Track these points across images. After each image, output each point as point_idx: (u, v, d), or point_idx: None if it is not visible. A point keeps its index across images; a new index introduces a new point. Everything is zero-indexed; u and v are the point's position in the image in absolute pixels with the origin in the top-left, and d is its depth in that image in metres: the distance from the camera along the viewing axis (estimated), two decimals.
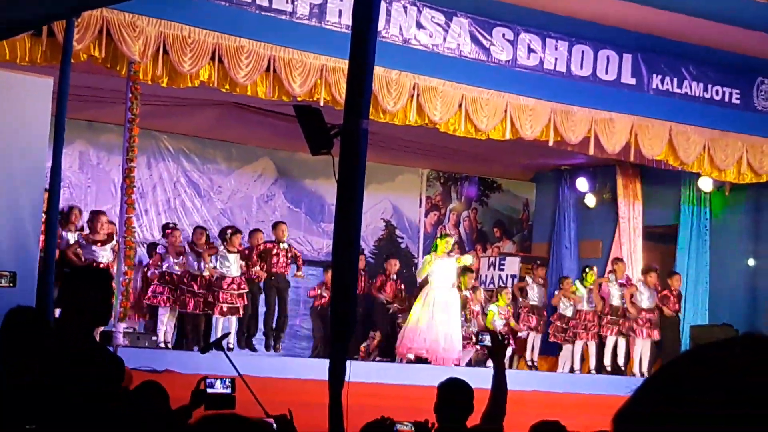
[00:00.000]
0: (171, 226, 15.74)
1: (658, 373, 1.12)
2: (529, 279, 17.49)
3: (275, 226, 15.76)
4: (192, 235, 15.05)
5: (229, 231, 15.12)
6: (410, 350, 14.97)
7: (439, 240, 15.85)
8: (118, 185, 14.10)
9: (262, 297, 15.38)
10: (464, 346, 15.66)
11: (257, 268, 15.01)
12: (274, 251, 15.21)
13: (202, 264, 14.53)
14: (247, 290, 14.72)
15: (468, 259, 15.95)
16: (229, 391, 6.49)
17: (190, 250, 14.65)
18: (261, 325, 15.39)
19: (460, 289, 16.09)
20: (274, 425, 5.96)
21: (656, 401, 1.09)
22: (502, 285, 18.17)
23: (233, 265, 14.62)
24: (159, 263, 14.61)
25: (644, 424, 1.08)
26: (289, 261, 15.42)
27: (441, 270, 15.23)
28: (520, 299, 17.30)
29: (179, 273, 14.49)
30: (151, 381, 6.19)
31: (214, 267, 14.54)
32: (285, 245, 15.41)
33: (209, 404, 6.36)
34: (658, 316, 16.73)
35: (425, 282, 15.49)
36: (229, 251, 14.66)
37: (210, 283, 14.53)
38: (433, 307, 14.94)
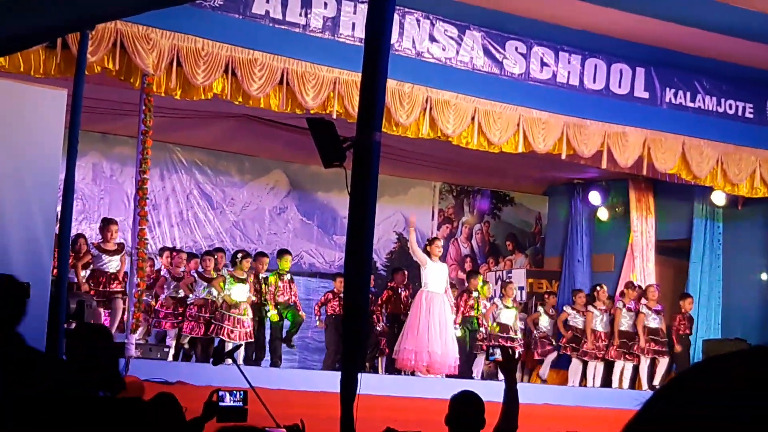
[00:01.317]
0: (177, 249, 15.74)
1: (667, 386, 1.12)
2: (541, 309, 17.47)
3: (279, 255, 15.59)
4: (201, 262, 15.00)
5: (239, 255, 15.07)
6: (413, 367, 14.88)
7: (429, 246, 15.63)
8: (131, 197, 14.12)
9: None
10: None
11: (274, 312, 14.94)
12: (277, 282, 15.13)
13: (213, 291, 14.48)
14: (253, 316, 14.65)
15: None
16: (240, 404, 6.49)
17: (199, 277, 14.64)
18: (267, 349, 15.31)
19: (469, 293, 16.18)
20: None
21: (664, 414, 1.09)
22: (508, 280, 18.09)
23: (243, 292, 14.56)
24: (163, 286, 14.66)
25: None
26: (292, 291, 15.30)
27: (435, 274, 15.17)
28: (535, 332, 17.22)
29: (185, 298, 14.51)
30: (165, 393, 6.19)
31: (228, 294, 14.49)
32: (288, 277, 15.31)
33: (221, 417, 6.36)
34: (666, 335, 16.64)
35: (419, 285, 15.44)
36: (239, 278, 14.60)
37: (217, 308, 14.47)
38: (429, 314, 14.90)
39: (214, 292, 14.46)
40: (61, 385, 4.35)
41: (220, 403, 6.42)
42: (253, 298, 14.66)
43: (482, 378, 16.09)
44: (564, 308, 17.25)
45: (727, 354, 1.12)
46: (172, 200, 17.95)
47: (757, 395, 1.04)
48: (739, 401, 1.04)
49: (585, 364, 16.79)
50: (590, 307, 16.79)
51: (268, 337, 15.25)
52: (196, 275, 14.69)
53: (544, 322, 17.20)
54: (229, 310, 14.34)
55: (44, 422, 4.27)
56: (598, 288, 17.06)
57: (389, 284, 16.69)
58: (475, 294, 16.37)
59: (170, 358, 14.16)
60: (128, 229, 14.20)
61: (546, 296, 17.87)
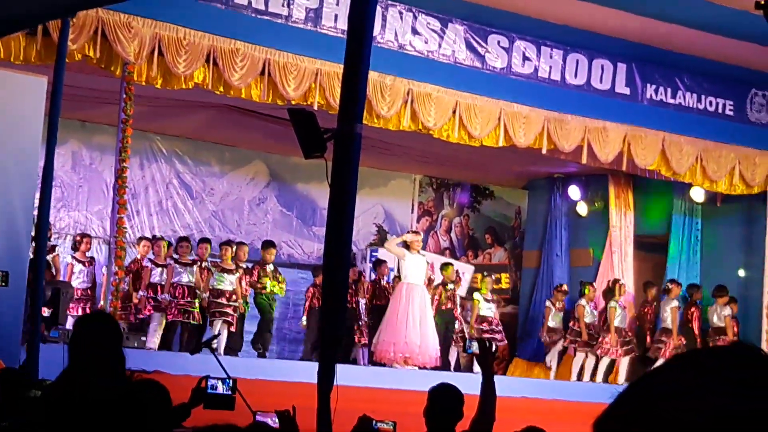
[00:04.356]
0: (158, 237, 15.73)
1: (639, 379, 1.13)
2: (549, 304, 17.56)
3: (264, 247, 15.64)
4: (176, 248, 14.99)
5: (221, 246, 15.11)
6: (392, 359, 14.91)
7: (409, 240, 15.66)
8: (111, 186, 14.07)
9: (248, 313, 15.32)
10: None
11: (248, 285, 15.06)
12: (261, 273, 15.15)
13: (185, 275, 14.51)
14: (237, 303, 14.69)
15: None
16: (230, 392, 6.48)
17: (176, 263, 14.64)
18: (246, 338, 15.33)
19: (444, 285, 16.22)
20: (276, 420, 5.94)
21: (633, 405, 1.10)
22: (486, 274, 18.20)
23: (226, 281, 14.58)
24: (148, 276, 14.66)
25: (621, 428, 1.09)
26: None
27: (414, 266, 15.22)
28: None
29: (166, 284, 14.51)
30: (150, 380, 6.15)
31: (211, 287, 14.55)
32: (271, 267, 15.35)
33: (209, 403, 6.34)
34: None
35: (399, 278, 15.51)
36: (224, 269, 14.63)
37: (197, 296, 14.52)
38: (409, 305, 14.95)
39: (185, 278, 14.50)
40: (67, 372, 4.35)
41: (209, 390, 6.40)
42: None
43: (458, 369, 16.13)
44: (579, 302, 17.26)
45: (701, 349, 1.13)
46: (151, 189, 17.89)
47: (730, 390, 1.05)
48: (712, 396, 1.05)
49: (597, 358, 16.83)
50: (612, 303, 16.81)
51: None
52: (173, 262, 14.69)
53: (553, 315, 17.34)
54: (217, 299, 14.40)
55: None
56: (618, 283, 17.17)
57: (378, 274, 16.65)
58: (450, 286, 16.39)
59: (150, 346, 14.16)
60: (107, 218, 14.14)
61: (558, 292, 17.89)
